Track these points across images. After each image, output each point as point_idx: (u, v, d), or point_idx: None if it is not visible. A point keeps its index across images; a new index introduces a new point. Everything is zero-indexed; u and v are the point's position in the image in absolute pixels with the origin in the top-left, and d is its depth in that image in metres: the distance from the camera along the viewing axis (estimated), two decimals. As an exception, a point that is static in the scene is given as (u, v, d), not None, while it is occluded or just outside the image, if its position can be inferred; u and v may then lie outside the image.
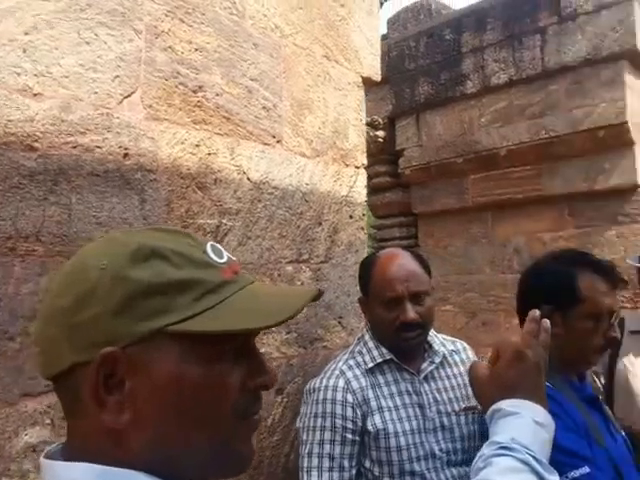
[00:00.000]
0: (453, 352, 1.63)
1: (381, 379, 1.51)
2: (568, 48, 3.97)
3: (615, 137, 3.71)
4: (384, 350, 1.54)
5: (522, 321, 1.50)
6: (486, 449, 0.92)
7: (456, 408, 1.52)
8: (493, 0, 4.59)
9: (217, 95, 1.71)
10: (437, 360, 1.57)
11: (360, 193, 2.23)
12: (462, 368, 1.59)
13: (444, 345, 1.62)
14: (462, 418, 1.51)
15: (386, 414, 1.46)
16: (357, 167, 2.24)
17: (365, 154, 2.28)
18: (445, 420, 1.49)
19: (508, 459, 0.86)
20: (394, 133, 5.02)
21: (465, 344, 1.72)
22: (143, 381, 0.55)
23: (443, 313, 4.49)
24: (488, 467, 0.87)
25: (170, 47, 1.60)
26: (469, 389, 1.52)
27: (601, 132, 3.74)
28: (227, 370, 0.58)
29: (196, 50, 1.67)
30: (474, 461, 0.93)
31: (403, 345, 1.51)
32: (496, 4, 4.50)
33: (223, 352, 0.58)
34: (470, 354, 1.67)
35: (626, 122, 3.64)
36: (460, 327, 4.43)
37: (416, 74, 4.85)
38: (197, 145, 1.65)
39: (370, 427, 1.44)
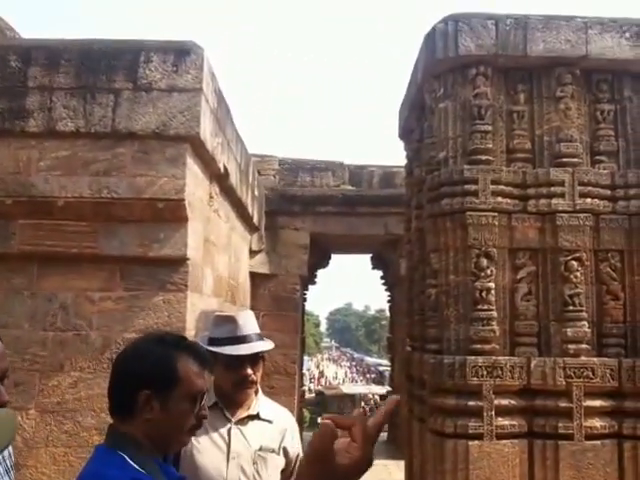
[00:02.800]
0: None
1: None
2: (139, 117, 4.14)
3: (172, 211, 4.03)
4: None
5: (112, 404, 1.47)
6: None
7: None
8: (69, 43, 4.44)
9: None
10: None
11: None
12: None
13: None
14: None
15: None
16: None
17: None
18: None
19: None
20: None
21: None
22: None
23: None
24: None
25: None
26: None
27: (161, 204, 4.00)
28: None
29: None
30: None
31: None
32: (72, 48, 4.36)
33: None
34: None
35: (183, 200, 4.01)
36: (-15, 391, 3.85)
37: (-31, 92, 4.18)
38: None
39: None
